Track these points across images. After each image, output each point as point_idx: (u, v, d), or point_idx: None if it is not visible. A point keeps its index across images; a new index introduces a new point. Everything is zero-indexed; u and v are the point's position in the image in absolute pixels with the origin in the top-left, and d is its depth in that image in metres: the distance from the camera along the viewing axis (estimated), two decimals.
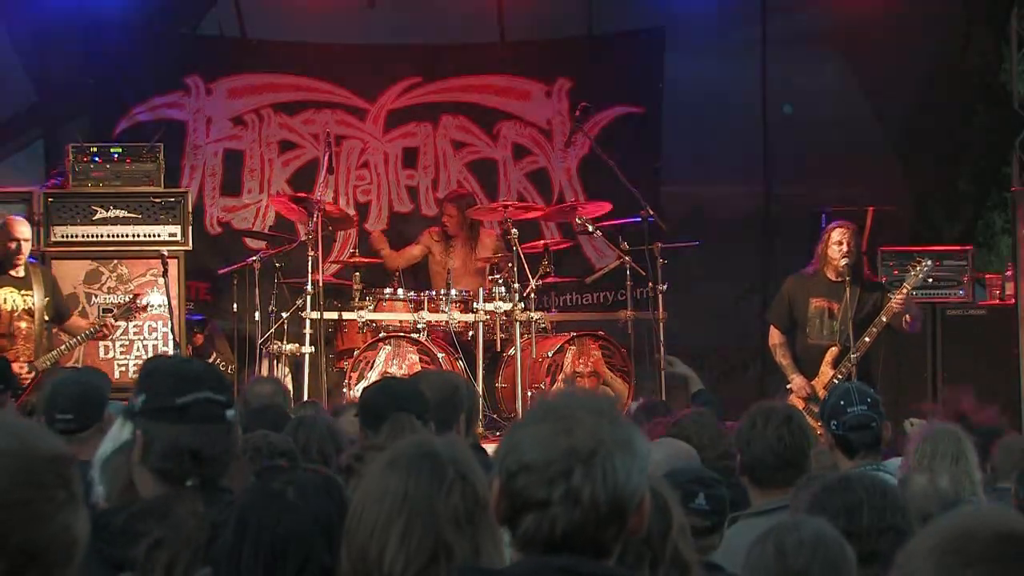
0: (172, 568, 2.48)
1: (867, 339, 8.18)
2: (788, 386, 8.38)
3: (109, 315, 8.75)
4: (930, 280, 8.41)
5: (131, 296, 8.87)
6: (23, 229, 8.67)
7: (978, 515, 1.86)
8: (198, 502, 2.76)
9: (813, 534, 2.74)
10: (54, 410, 4.65)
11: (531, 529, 2.11)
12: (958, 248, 10.23)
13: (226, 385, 3.00)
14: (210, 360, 9.57)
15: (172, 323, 8.99)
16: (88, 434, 4.45)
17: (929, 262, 8.43)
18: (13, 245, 8.59)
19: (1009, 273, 10.40)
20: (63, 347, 8.68)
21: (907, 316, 8.25)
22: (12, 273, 8.66)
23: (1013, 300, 10.15)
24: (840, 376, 8.11)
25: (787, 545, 2.72)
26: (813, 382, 8.30)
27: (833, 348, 8.28)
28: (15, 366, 8.46)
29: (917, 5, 10.90)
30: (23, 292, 8.65)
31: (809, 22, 11.10)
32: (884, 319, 8.17)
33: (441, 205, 10.23)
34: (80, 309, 9.08)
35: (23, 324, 8.64)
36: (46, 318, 8.71)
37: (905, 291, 8.22)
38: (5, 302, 8.63)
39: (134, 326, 9.12)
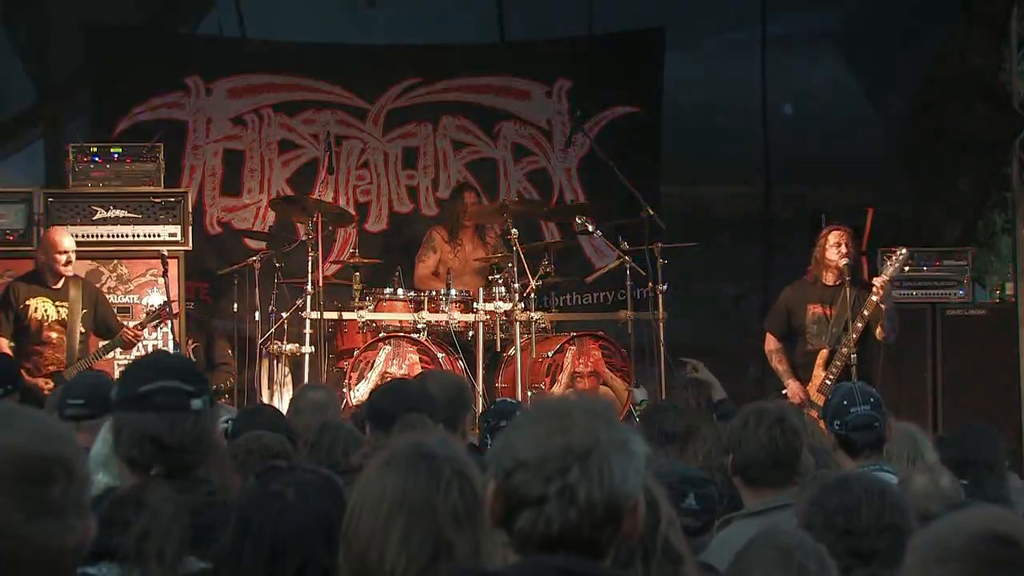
0: (162, 557, 2.49)
1: (854, 335, 8.16)
2: (784, 391, 8.37)
3: (136, 325, 8.71)
4: (906, 269, 8.36)
5: (162, 303, 8.75)
6: (69, 242, 8.63)
7: (969, 515, 1.87)
8: (167, 489, 2.77)
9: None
10: (67, 396, 4.68)
11: (527, 527, 2.11)
12: (958, 248, 10.23)
13: (198, 377, 3.04)
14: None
15: (171, 323, 8.98)
16: (99, 422, 4.43)
17: (904, 251, 8.37)
18: (62, 259, 8.54)
19: (1009, 273, 10.40)
20: (91, 356, 8.63)
21: (880, 324, 8.21)
22: (51, 285, 8.61)
23: (1013, 300, 10.14)
24: (831, 377, 8.12)
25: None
26: (807, 386, 8.30)
27: (823, 351, 8.28)
28: (40, 381, 8.38)
29: (917, 5, 10.90)
30: (57, 303, 8.59)
31: (809, 22, 11.11)
32: (866, 312, 8.15)
33: (458, 194, 10.12)
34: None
35: (54, 334, 8.56)
36: (82, 330, 8.65)
37: (882, 281, 8.16)
38: (36, 311, 8.55)
39: (133, 325, 9.10)
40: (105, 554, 2.68)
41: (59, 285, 8.62)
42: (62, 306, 8.60)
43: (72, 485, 1.82)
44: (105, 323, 8.76)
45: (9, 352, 8.44)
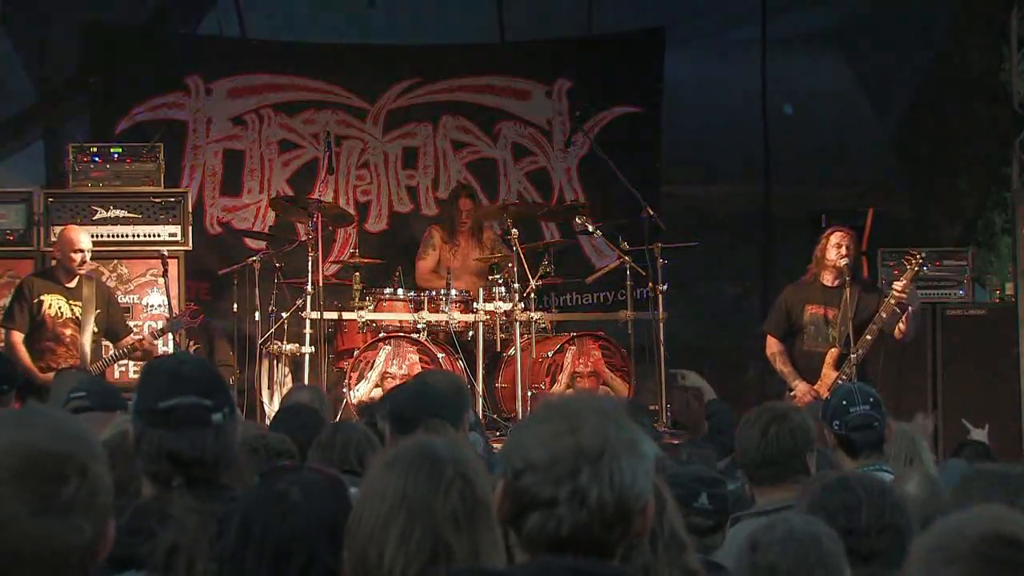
0: (192, 570, 2.49)
1: (868, 337, 8.15)
2: (791, 393, 8.34)
3: (148, 335, 8.68)
4: (926, 268, 8.37)
5: (186, 309, 8.70)
6: (86, 241, 8.57)
7: (975, 515, 1.87)
8: (190, 499, 2.77)
9: (784, 532, 2.76)
10: (70, 391, 4.71)
11: (536, 528, 2.11)
12: (958, 248, 10.23)
13: (218, 389, 2.96)
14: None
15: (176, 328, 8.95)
16: (101, 416, 4.42)
17: (924, 254, 8.38)
18: (78, 257, 8.49)
19: (1009, 273, 10.40)
20: (106, 359, 8.58)
21: (901, 324, 8.19)
22: (65, 283, 8.57)
23: (1013, 300, 10.15)
24: (843, 377, 8.08)
25: (760, 542, 2.75)
26: (816, 386, 8.28)
27: (833, 350, 8.26)
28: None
29: (917, 5, 10.92)
30: (71, 301, 8.53)
31: (809, 22, 11.12)
32: (884, 315, 8.14)
33: (455, 198, 10.11)
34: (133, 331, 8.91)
35: (68, 331, 8.50)
36: (95, 330, 8.61)
37: (903, 283, 8.15)
38: (50, 307, 8.49)
39: (134, 324, 9.09)
40: (130, 562, 2.68)
41: (73, 284, 8.58)
42: (76, 304, 8.55)
43: (84, 487, 1.80)
44: (113, 326, 8.73)
45: (21, 346, 8.43)
